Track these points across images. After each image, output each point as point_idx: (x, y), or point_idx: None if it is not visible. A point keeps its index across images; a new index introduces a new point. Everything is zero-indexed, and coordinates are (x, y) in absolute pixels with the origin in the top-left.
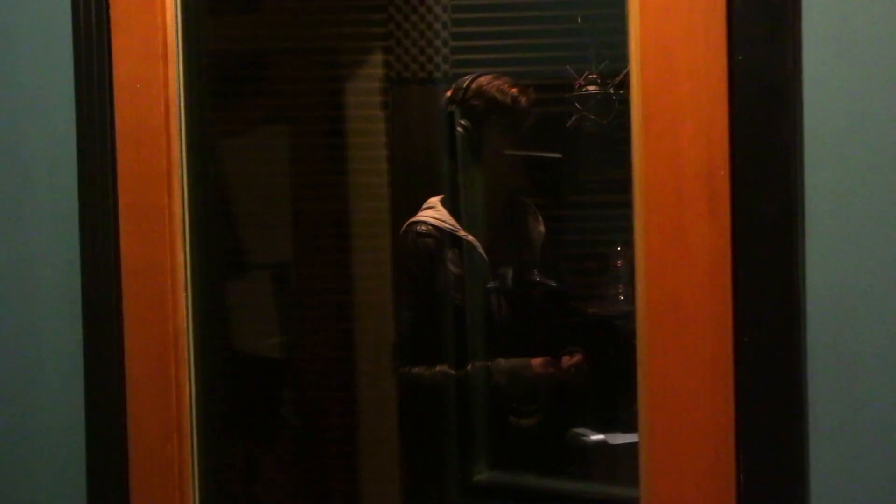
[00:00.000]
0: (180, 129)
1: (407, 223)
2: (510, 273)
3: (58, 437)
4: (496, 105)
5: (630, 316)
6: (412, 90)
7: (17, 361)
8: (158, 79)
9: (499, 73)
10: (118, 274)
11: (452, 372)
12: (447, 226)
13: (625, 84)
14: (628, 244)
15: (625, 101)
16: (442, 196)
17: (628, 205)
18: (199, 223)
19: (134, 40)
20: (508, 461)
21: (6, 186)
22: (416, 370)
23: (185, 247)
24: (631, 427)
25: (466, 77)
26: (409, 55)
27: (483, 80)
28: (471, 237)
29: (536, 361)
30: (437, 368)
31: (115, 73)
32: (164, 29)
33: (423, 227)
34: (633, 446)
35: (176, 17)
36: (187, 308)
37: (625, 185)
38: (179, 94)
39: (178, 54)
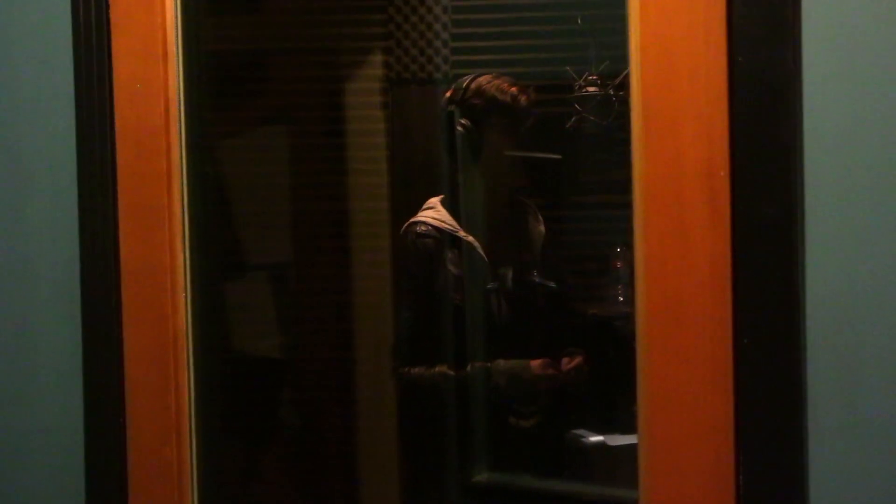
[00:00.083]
0: (180, 130)
1: (407, 223)
2: (510, 274)
3: (56, 439)
4: (496, 104)
5: (630, 317)
6: (412, 91)
7: (16, 362)
8: (158, 79)
9: (499, 73)
10: (117, 274)
11: (452, 373)
12: (447, 226)
13: (625, 85)
14: (628, 245)
15: (625, 102)
16: (442, 196)
17: (628, 206)
18: (199, 223)
19: (134, 41)
20: (508, 462)
21: (6, 186)
22: (415, 371)
23: (184, 247)
24: (630, 428)
25: (466, 77)
26: (409, 56)
27: (483, 79)
28: (470, 238)
29: (536, 363)
30: (437, 369)
31: (115, 73)
32: (164, 29)
33: (423, 228)
34: (632, 448)
35: (176, 17)
36: (187, 308)
37: (625, 185)
38: (179, 95)
39: (177, 55)
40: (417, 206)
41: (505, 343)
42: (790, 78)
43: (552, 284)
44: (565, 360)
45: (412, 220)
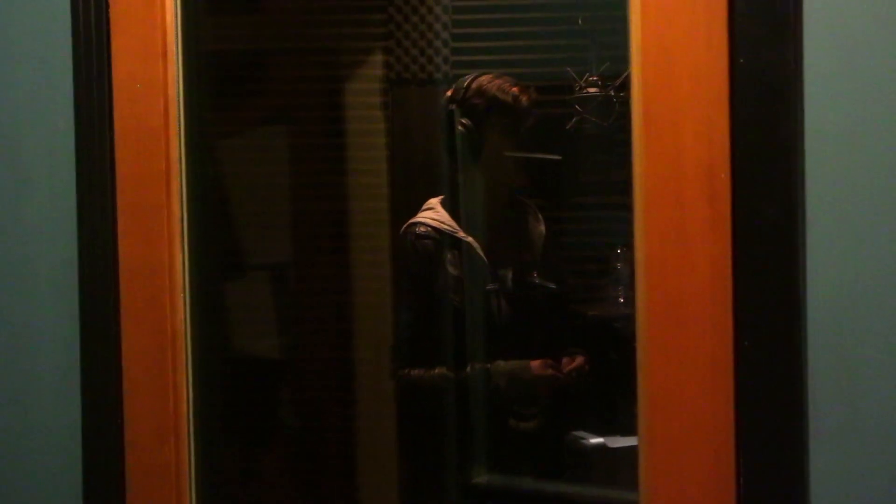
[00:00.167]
0: (179, 129)
1: (406, 225)
2: (510, 274)
3: (54, 439)
4: (497, 104)
5: (630, 318)
6: (412, 91)
7: (14, 362)
8: (158, 79)
9: (500, 73)
10: (116, 274)
11: (451, 374)
12: (446, 227)
13: (625, 86)
14: (628, 246)
15: (625, 103)
16: (441, 197)
17: (628, 207)
18: (198, 223)
19: (133, 40)
20: (507, 464)
21: (5, 186)
22: (415, 372)
23: (183, 247)
24: (630, 430)
25: (467, 76)
26: (410, 56)
27: (484, 79)
28: (470, 238)
29: (536, 363)
30: (437, 371)
31: (115, 72)
32: (164, 29)
33: (423, 229)
34: (632, 449)
35: (175, 16)
36: (185, 309)
37: (625, 186)
38: (179, 94)
39: (177, 54)
40: (417, 207)
41: (505, 344)
42: (791, 78)
43: (552, 285)
44: (566, 360)
45: (411, 221)
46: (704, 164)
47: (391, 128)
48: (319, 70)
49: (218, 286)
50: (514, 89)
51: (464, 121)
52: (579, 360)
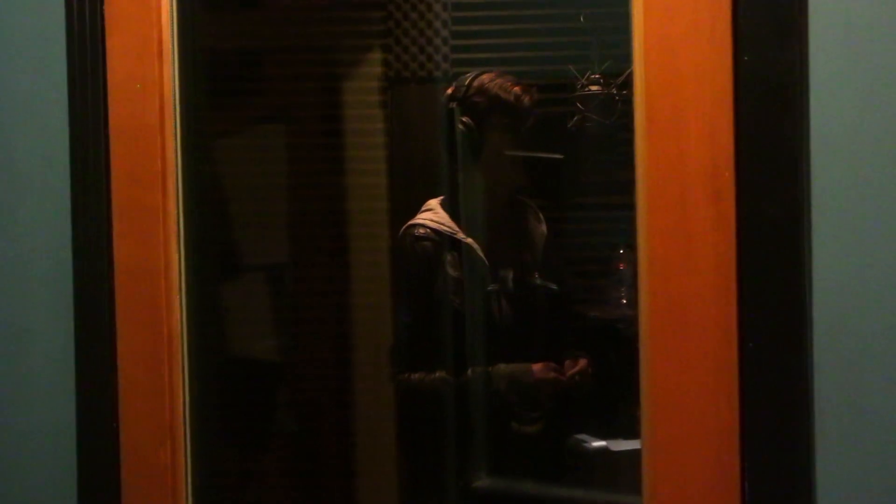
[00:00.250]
0: (175, 129)
1: (405, 226)
2: (510, 275)
3: (48, 442)
4: (499, 103)
5: (633, 319)
6: (411, 89)
7: (7, 364)
8: (153, 77)
9: (501, 71)
10: (111, 275)
11: (451, 378)
12: (446, 228)
13: (628, 84)
14: (631, 247)
15: (628, 102)
16: (441, 198)
17: (631, 206)
18: (194, 224)
19: (129, 38)
20: (508, 467)
21: None
22: (415, 376)
23: (179, 248)
24: (633, 433)
25: (468, 74)
26: (409, 54)
27: (486, 77)
28: (469, 240)
29: (537, 366)
30: (437, 374)
31: (110, 71)
32: (160, 27)
33: (422, 231)
34: (635, 453)
35: (171, 14)
36: (181, 310)
37: (628, 186)
38: (174, 93)
39: (173, 52)
40: (417, 206)
41: (506, 346)
42: (796, 76)
43: (553, 286)
44: (568, 363)
45: (410, 222)
46: (708, 163)
47: (390, 127)
48: (318, 68)
49: (215, 287)
50: (516, 88)
51: (464, 119)
52: (582, 362)
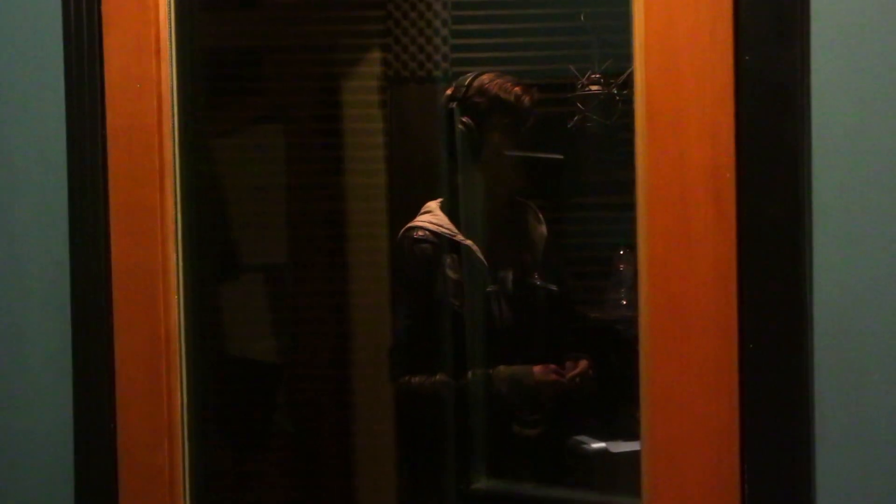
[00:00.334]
0: (173, 128)
1: (403, 229)
2: (510, 277)
3: (45, 443)
4: (499, 103)
5: (633, 321)
6: (411, 89)
7: (4, 364)
8: (151, 76)
9: (500, 71)
10: (108, 275)
11: (452, 380)
12: (445, 230)
13: (628, 84)
14: (631, 247)
15: (628, 102)
16: (440, 200)
17: (631, 207)
18: (192, 224)
19: (126, 36)
20: (508, 469)
21: None
22: (415, 379)
23: (177, 248)
24: (633, 435)
25: (468, 74)
26: (408, 53)
27: (486, 77)
28: (469, 241)
29: (538, 368)
30: (437, 377)
31: (107, 69)
32: (157, 25)
33: (420, 233)
34: (635, 454)
35: (169, 12)
36: (179, 310)
37: (628, 186)
38: (172, 92)
39: (171, 51)
40: (416, 207)
41: (506, 348)
42: (798, 77)
43: (553, 287)
44: (569, 364)
45: (409, 225)
46: (709, 163)
47: (389, 127)
48: (317, 68)
49: (213, 287)
50: (517, 89)
51: (464, 120)
52: (582, 363)
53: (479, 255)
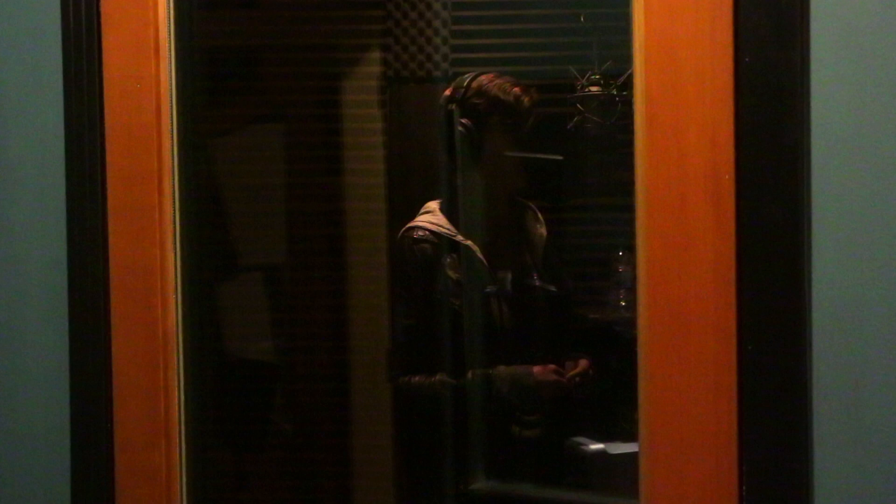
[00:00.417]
0: (172, 127)
1: (403, 229)
2: (509, 277)
3: (41, 443)
4: (499, 104)
5: (632, 322)
6: (410, 89)
7: (2, 363)
8: (150, 75)
9: (500, 72)
10: (106, 275)
11: (452, 381)
12: (444, 230)
13: (628, 85)
14: (631, 249)
15: (628, 103)
16: (440, 200)
17: (631, 209)
18: (191, 223)
19: (125, 35)
20: (506, 470)
21: None
22: (414, 380)
23: (175, 247)
24: (631, 436)
25: (467, 75)
26: (408, 53)
27: (485, 78)
28: (469, 242)
29: (538, 368)
30: (437, 377)
31: (106, 69)
32: (157, 24)
33: (420, 233)
34: (633, 456)
35: (168, 11)
36: (177, 310)
37: (627, 187)
38: (171, 91)
39: (170, 50)
40: (415, 207)
41: (505, 349)
42: (798, 79)
43: (553, 288)
44: (569, 364)
45: (409, 225)
46: (708, 165)
47: (389, 127)
48: (316, 67)
49: (211, 287)
50: (516, 89)
51: (463, 121)
52: (583, 363)
53: (480, 255)
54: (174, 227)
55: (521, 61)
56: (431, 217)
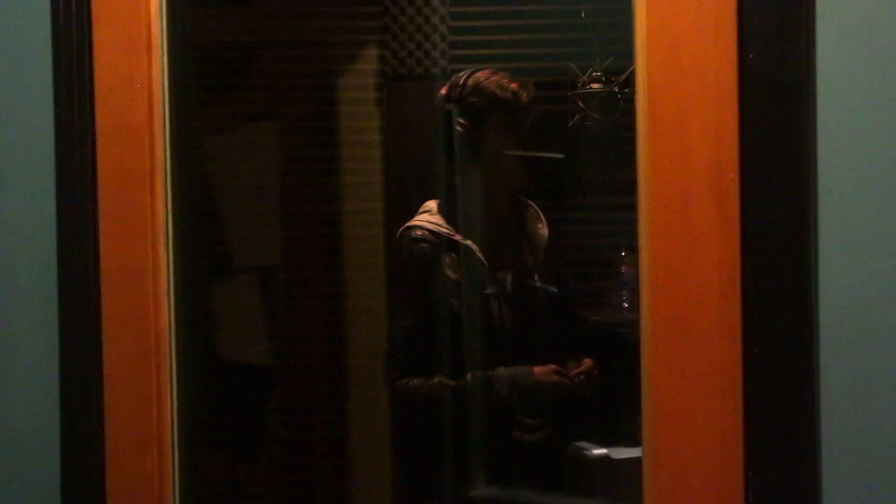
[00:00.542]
0: (164, 126)
1: (402, 228)
2: (509, 278)
3: (31, 449)
4: (496, 101)
5: (634, 324)
6: (408, 86)
7: None
8: (142, 73)
9: (497, 68)
10: (97, 277)
11: (451, 383)
12: (443, 230)
13: (630, 82)
14: (633, 249)
15: (630, 100)
16: (438, 200)
17: (633, 208)
18: (183, 224)
19: (116, 32)
20: (507, 476)
21: None
22: (413, 382)
23: (167, 249)
24: (635, 441)
25: (462, 73)
26: (406, 50)
27: (480, 75)
28: (468, 241)
29: (538, 369)
30: (436, 379)
31: (96, 66)
32: (148, 20)
33: (419, 233)
34: (637, 461)
35: (160, 7)
36: (170, 314)
37: (630, 186)
38: (163, 89)
39: (162, 47)
40: (413, 207)
41: (505, 350)
42: (803, 74)
43: (554, 289)
44: (571, 364)
45: (407, 224)
46: (712, 163)
47: (386, 125)
48: (312, 64)
49: (204, 290)
50: (514, 85)
51: (461, 120)
52: (587, 362)
53: (479, 255)
54: (166, 229)
55: (521, 58)
56: (430, 216)
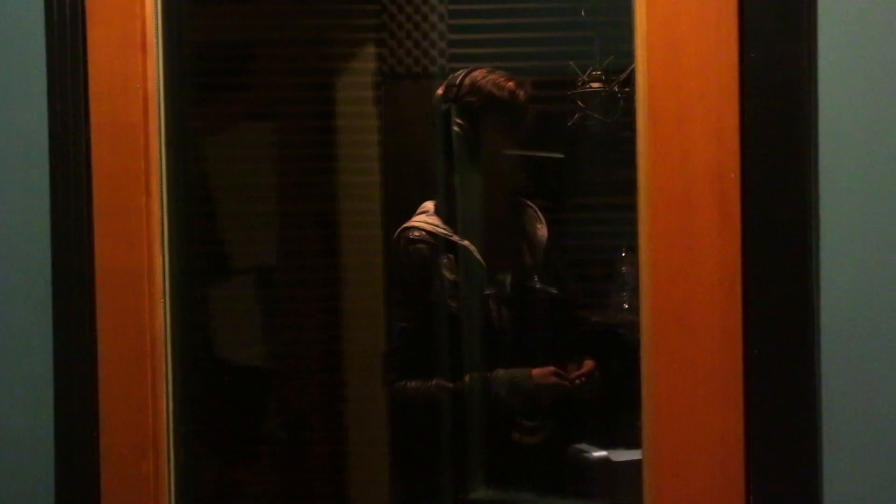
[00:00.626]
0: (160, 126)
1: (399, 229)
2: (508, 278)
3: (24, 453)
4: (493, 101)
5: (634, 325)
6: (406, 85)
7: None
8: (137, 72)
9: (494, 67)
10: (92, 279)
11: (449, 385)
12: (441, 231)
13: (630, 81)
14: (633, 250)
15: (630, 100)
16: (436, 200)
17: (633, 208)
18: (179, 225)
19: (111, 30)
20: (506, 478)
21: None
22: (411, 384)
23: (163, 250)
24: (635, 443)
25: (459, 72)
26: (404, 48)
27: (477, 74)
28: (466, 242)
29: (537, 371)
30: (434, 381)
31: (91, 65)
32: (144, 18)
33: (417, 233)
34: (637, 464)
35: (156, 6)
36: (165, 315)
37: (630, 186)
38: (159, 89)
39: (158, 46)
40: (411, 206)
41: (504, 352)
42: (805, 74)
43: (554, 290)
44: (571, 366)
45: (405, 225)
46: (713, 163)
47: (384, 124)
48: (309, 63)
49: (200, 291)
50: (511, 84)
51: (459, 121)
52: (588, 364)
53: (477, 255)
54: (162, 229)
55: (521, 57)
56: (428, 217)
